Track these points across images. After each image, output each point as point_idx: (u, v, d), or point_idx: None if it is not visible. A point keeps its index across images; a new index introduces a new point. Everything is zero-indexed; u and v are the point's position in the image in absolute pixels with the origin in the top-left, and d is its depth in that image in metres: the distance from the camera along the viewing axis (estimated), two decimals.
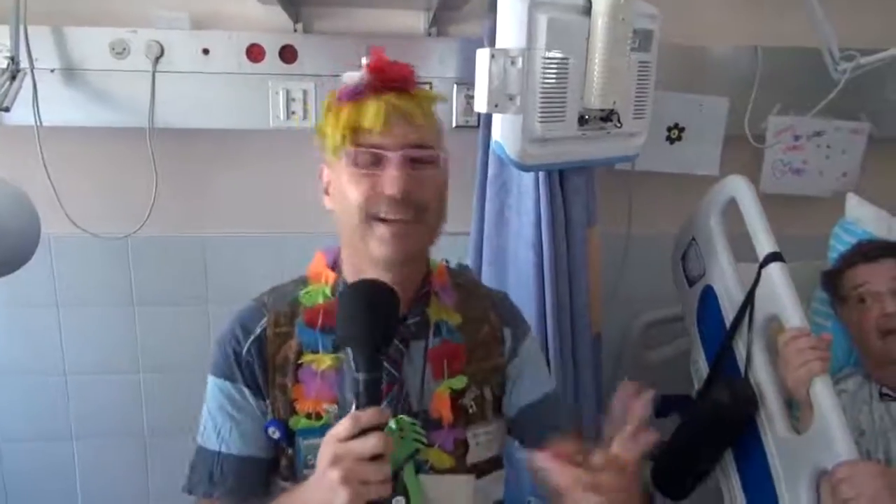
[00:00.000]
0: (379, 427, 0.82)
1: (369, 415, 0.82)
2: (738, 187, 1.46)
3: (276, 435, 0.98)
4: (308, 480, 0.88)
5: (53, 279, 1.79)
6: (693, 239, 1.59)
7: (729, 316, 1.45)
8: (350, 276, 1.01)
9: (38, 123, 1.61)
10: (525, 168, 1.31)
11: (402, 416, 0.98)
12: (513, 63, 1.21)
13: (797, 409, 1.32)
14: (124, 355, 1.85)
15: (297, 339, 0.99)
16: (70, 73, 1.64)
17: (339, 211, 0.97)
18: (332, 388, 0.98)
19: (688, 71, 1.80)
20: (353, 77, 0.95)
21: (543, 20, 1.21)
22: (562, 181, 1.40)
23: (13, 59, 1.49)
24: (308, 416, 0.97)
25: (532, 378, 1.10)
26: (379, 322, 0.87)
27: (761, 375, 1.35)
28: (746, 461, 1.38)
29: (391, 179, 0.91)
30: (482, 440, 1.05)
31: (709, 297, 1.52)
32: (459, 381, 1.03)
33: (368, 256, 0.95)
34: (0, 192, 1.29)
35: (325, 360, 0.98)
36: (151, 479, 1.93)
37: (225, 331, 1.01)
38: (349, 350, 0.88)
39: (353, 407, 0.84)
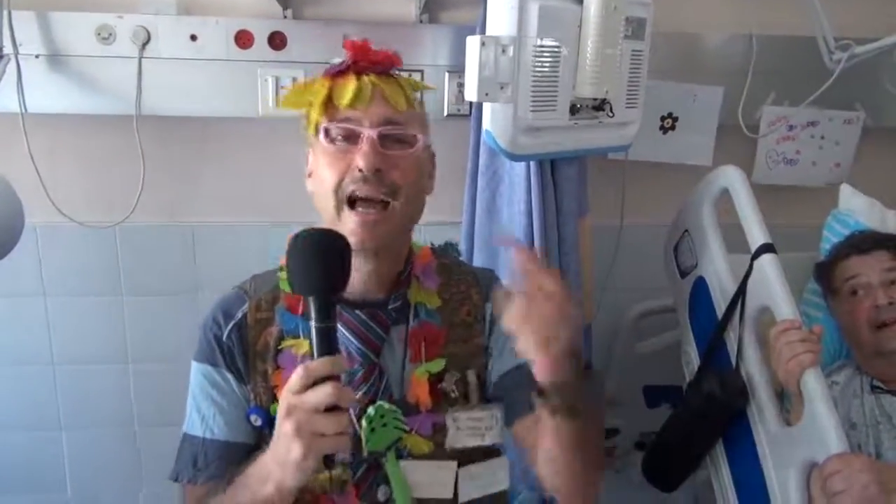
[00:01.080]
0: (333, 377, 0.79)
1: (320, 364, 0.79)
2: (731, 178, 1.44)
3: (258, 422, 0.98)
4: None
5: (40, 268, 1.77)
6: (686, 230, 1.58)
7: (721, 307, 1.44)
8: None
9: (23, 110, 1.59)
10: (516, 158, 1.30)
11: (381, 402, 0.96)
12: (503, 51, 1.20)
13: (789, 401, 1.32)
14: (113, 345, 1.84)
15: (278, 324, 0.98)
16: (55, 59, 1.61)
17: (318, 193, 0.97)
18: None
19: (682, 60, 1.78)
20: (338, 62, 0.97)
21: (535, 7, 1.19)
22: (553, 171, 1.39)
23: None
24: None
25: (508, 348, 1.01)
26: (329, 269, 0.84)
27: (752, 367, 1.35)
28: (737, 453, 1.38)
29: (363, 154, 0.92)
30: (464, 425, 1.02)
31: (701, 289, 1.51)
32: (437, 364, 1.01)
33: (337, 227, 0.94)
34: None
35: (304, 345, 0.96)
36: (142, 469, 1.92)
37: (207, 316, 1.01)
38: (307, 300, 0.84)
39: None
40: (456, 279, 1.08)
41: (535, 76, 1.22)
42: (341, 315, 0.98)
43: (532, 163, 1.35)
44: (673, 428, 1.45)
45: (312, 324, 0.82)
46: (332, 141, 0.94)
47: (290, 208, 1.78)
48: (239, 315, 0.99)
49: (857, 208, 1.62)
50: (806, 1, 1.54)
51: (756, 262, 1.36)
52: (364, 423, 0.95)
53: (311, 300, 0.82)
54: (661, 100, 1.77)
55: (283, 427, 0.78)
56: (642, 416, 1.96)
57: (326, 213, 0.96)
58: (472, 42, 1.19)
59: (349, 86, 0.93)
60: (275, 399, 0.96)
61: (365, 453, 0.96)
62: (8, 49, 1.51)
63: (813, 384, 1.21)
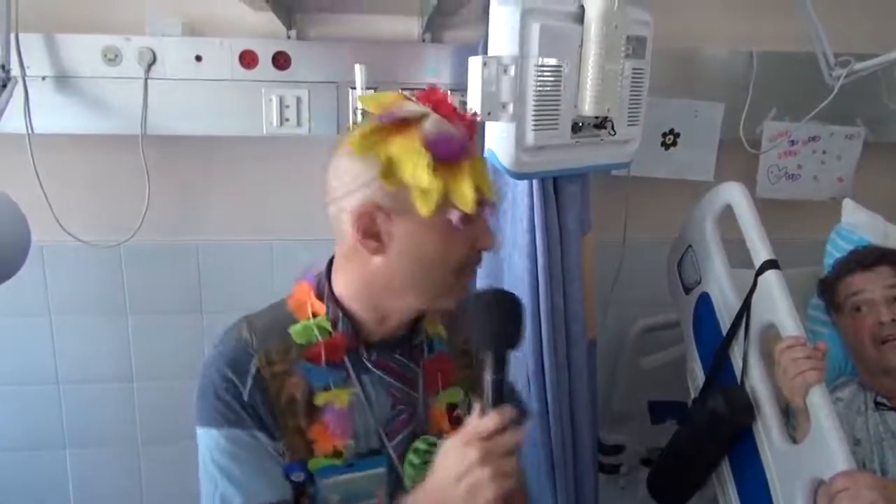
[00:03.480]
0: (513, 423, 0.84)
1: (510, 411, 0.83)
2: (734, 194, 1.45)
3: (301, 478, 0.94)
4: (426, 490, 0.87)
5: (46, 288, 1.78)
6: (689, 246, 1.58)
7: (725, 323, 1.44)
8: (364, 311, 0.96)
9: (30, 131, 1.60)
10: (518, 176, 1.30)
11: (426, 436, 1.00)
12: (505, 71, 1.21)
13: (795, 417, 1.31)
14: (118, 364, 1.84)
15: (302, 377, 0.94)
16: (62, 80, 1.63)
17: (413, 265, 0.92)
18: (353, 423, 0.95)
19: (683, 76, 1.80)
20: (408, 110, 0.88)
21: (536, 27, 1.20)
22: (556, 188, 1.39)
23: (3, 68, 1.48)
24: (326, 455, 0.94)
25: None
26: (510, 328, 0.88)
27: (757, 384, 1.34)
28: (743, 470, 1.37)
29: (489, 235, 0.94)
30: None
31: (705, 305, 1.51)
32: (455, 394, 1.04)
33: (431, 304, 0.97)
34: None
35: (343, 397, 0.95)
36: (145, 488, 1.92)
37: (213, 378, 0.92)
38: (485, 353, 0.87)
39: (482, 408, 0.85)
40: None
41: (536, 95, 1.23)
42: (381, 362, 0.98)
43: (535, 181, 1.35)
44: (678, 445, 1.44)
45: (488, 376, 0.85)
46: (464, 223, 0.90)
47: (294, 226, 1.81)
48: (252, 371, 0.92)
49: (860, 223, 1.63)
50: (806, 17, 1.55)
51: (760, 278, 1.36)
52: (414, 458, 0.98)
53: (488, 353, 0.86)
54: (662, 116, 1.79)
55: (479, 472, 0.80)
56: (648, 432, 1.95)
57: (428, 282, 0.93)
58: (475, 62, 1.20)
59: (478, 169, 0.91)
60: (311, 453, 0.94)
61: (408, 489, 0.97)
62: (15, 71, 1.53)
63: (818, 401, 1.21)
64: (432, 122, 0.88)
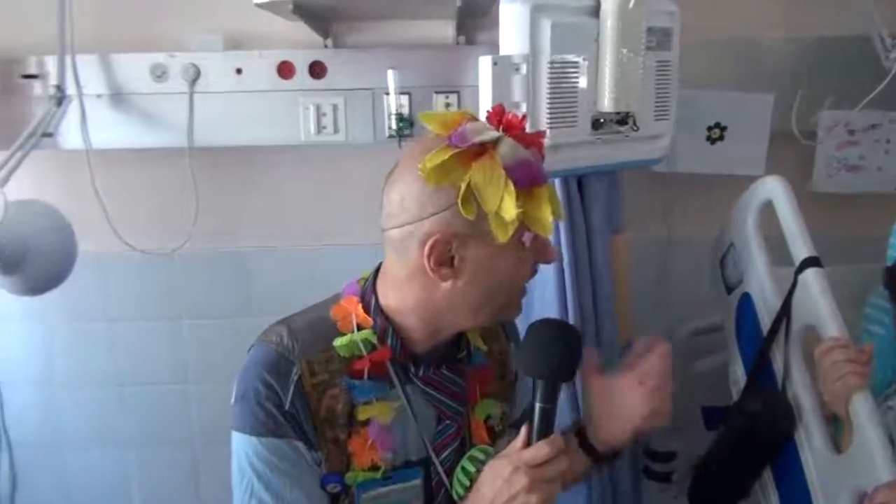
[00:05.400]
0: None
1: (560, 440, 0.87)
2: (774, 188, 1.37)
3: (337, 489, 0.95)
4: None
5: (105, 295, 1.88)
6: (731, 244, 1.51)
7: (766, 325, 1.36)
8: (417, 326, 0.96)
9: (88, 147, 1.70)
10: None
11: (480, 446, 1.02)
12: (517, 70, 1.19)
13: (840, 425, 1.23)
14: (173, 367, 1.93)
15: (344, 389, 0.94)
16: (116, 97, 1.72)
17: (483, 288, 0.92)
18: (393, 438, 0.96)
19: (728, 67, 1.72)
20: (482, 135, 0.87)
21: (547, 24, 1.18)
22: (581, 187, 1.36)
23: (58, 87, 1.58)
24: (364, 468, 0.95)
25: (524, 386, 1.12)
26: (565, 360, 0.91)
27: (799, 389, 1.26)
28: (786, 479, 1.29)
29: (552, 248, 0.95)
30: None
31: (746, 305, 1.43)
32: (492, 406, 1.06)
33: (491, 321, 0.99)
34: (39, 214, 1.36)
35: (386, 412, 0.95)
36: (202, 487, 2.00)
37: (254, 384, 0.91)
38: (536, 381, 0.89)
39: (528, 436, 0.88)
40: None
41: (550, 93, 1.21)
42: (428, 378, 0.99)
43: (556, 180, 1.32)
44: (717, 453, 1.37)
45: (538, 404, 0.88)
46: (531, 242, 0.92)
47: (335, 231, 1.84)
48: (294, 379, 0.91)
49: None
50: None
51: (800, 277, 1.28)
52: (470, 466, 1.00)
53: (540, 383, 0.89)
54: (706, 109, 1.72)
55: (526, 499, 0.84)
56: (701, 438, 1.86)
57: (494, 303, 0.94)
58: (485, 62, 1.19)
59: (552, 196, 0.90)
60: (348, 466, 0.95)
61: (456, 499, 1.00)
62: (70, 90, 1.63)
63: (861, 407, 1.12)
64: (508, 147, 0.86)
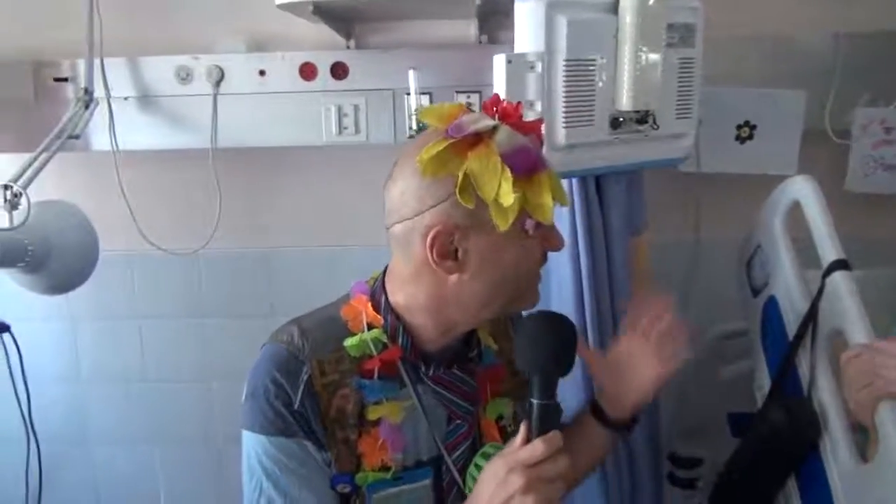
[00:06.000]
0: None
1: (558, 438, 0.83)
2: (802, 189, 1.32)
3: (347, 489, 0.94)
4: None
5: (134, 293, 1.92)
6: (758, 245, 1.47)
7: (792, 329, 1.32)
8: (427, 323, 0.95)
9: (116, 149, 1.73)
10: None
11: (490, 444, 1.01)
12: (532, 68, 1.17)
13: (867, 434, 1.18)
14: (198, 364, 1.96)
15: (354, 389, 0.93)
16: (143, 100, 1.75)
17: (490, 279, 0.90)
18: (404, 438, 0.96)
19: (758, 63, 1.66)
20: (478, 124, 0.86)
21: (563, 22, 1.16)
22: (599, 188, 1.33)
23: (86, 91, 1.61)
24: (374, 468, 0.94)
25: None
26: (560, 354, 0.87)
27: (825, 396, 1.22)
28: (810, 489, 1.25)
29: (558, 235, 0.94)
30: None
31: (772, 309, 1.39)
32: (503, 405, 1.05)
33: (503, 312, 0.97)
34: (62, 214, 1.39)
35: (396, 411, 0.95)
36: (225, 483, 2.02)
37: (264, 382, 0.91)
38: (534, 377, 0.87)
39: (526, 434, 0.85)
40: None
41: (567, 92, 1.18)
42: (439, 377, 0.98)
43: (574, 180, 1.30)
44: (738, 461, 1.33)
45: (535, 400, 0.85)
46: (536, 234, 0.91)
47: (357, 232, 1.85)
48: (304, 378, 0.91)
49: None
50: None
51: (827, 280, 1.24)
52: (482, 462, 0.97)
53: (535, 378, 0.85)
54: (735, 107, 1.67)
55: (522, 500, 0.80)
56: (727, 445, 1.81)
57: (504, 295, 0.92)
58: (499, 60, 1.17)
59: (554, 183, 0.89)
60: (359, 466, 0.94)
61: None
62: (98, 93, 1.66)
63: (888, 417, 1.08)
64: (505, 135, 0.86)
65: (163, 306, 1.92)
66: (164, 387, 1.97)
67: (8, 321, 1.78)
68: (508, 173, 0.83)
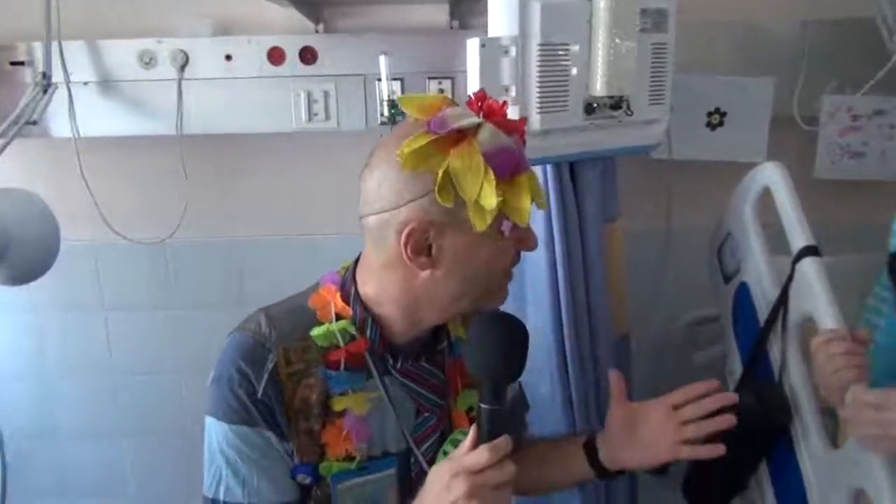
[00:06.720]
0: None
1: (505, 444, 0.81)
2: (772, 175, 1.33)
3: (308, 480, 0.93)
4: None
5: (99, 284, 1.87)
6: (728, 232, 1.47)
7: (763, 315, 1.33)
8: (396, 316, 0.93)
9: (76, 135, 1.68)
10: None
11: (455, 436, 0.99)
12: (505, 52, 1.16)
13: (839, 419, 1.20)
14: (166, 356, 1.92)
15: (319, 379, 0.92)
16: (104, 84, 1.69)
17: (462, 277, 0.89)
18: (369, 429, 0.94)
19: (728, 50, 1.67)
20: (461, 121, 0.83)
21: (536, 6, 1.15)
22: (573, 174, 1.33)
23: (44, 75, 1.56)
24: (338, 458, 0.93)
25: None
26: (513, 359, 0.85)
27: (796, 381, 1.23)
28: (781, 473, 1.26)
29: (533, 236, 0.92)
30: None
31: (743, 295, 1.40)
32: (475, 397, 1.01)
33: (472, 309, 0.94)
34: (20, 202, 1.34)
35: (362, 403, 0.93)
36: (195, 476, 1.98)
37: (228, 370, 0.90)
38: (482, 381, 0.84)
39: (474, 438, 0.82)
40: None
41: (540, 77, 1.17)
42: (407, 370, 0.97)
43: (548, 166, 1.29)
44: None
45: (484, 405, 0.83)
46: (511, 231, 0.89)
47: (329, 220, 1.82)
48: (269, 367, 0.90)
49: None
50: None
51: (797, 267, 1.25)
52: (451, 449, 0.96)
53: (484, 383, 0.83)
54: (705, 94, 1.67)
55: None
56: None
57: (476, 292, 0.91)
58: (472, 45, 1.15)
59: (533, 185, 0.87)
60: (322, 457, 0.93)
61: None
62: (56, 78, 1.60)
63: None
64: (488, 134, 0.84)
65: (130, 297, 1.88)
66: (132, 379, 1.93)
67: None
68: (492, 175, 0.82)
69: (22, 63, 1.67)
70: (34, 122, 1.51)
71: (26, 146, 1.70)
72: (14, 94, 1.61)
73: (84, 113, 1.67)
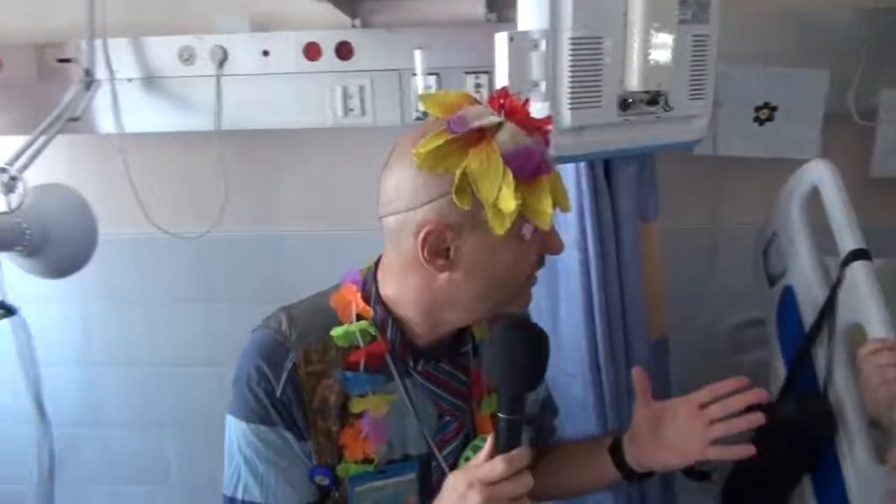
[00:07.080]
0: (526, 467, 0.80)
1: (521, 456, 0.79)
2: (820, 173, 1.27)
3: (326, 482, 0.92)
4: None
5: (140, 277, 1.91)
6: (774, 232, 1.41)
7: (809, 321, 1.26)
8: (417, 318, 0.91)
9: (120, 131, 1.71)
10: (557, 160, 1.21)
11: (483, 435, 0.98)
12: (535, 46, 1.12)
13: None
14: (206, 349, 1.94)
15: (338, 380, 0.91)
16: (146, 81, 1.72)
17: (482, 280, 0.86)
18: (388, 431, 0.93)
19: (779, 41, 1.58)
20: (482, 120, 0.81)
21: None
22: (608, 172, 1.28)
23: (87, 72, 1.59)
24: (356, 461, 0.92)
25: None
26: (534, 370, 0.83)
27: (842, 391, 1.17)
28: (825, 488, 1.20)
29: (558, 240, 0.89)
30: None
31: (789, 299, 1.34)
32: (496, 401, 1.00)
33: (494, 313, 0.91)
34: (58, 197, 1.37)
35: (381, 405, 0.92)
36: None
37: (248, 369, 0.91)
38: (500, 390, 0.83)
39: (491, 448, 0.81)
40: None
41: (572, 71, 1.13)
42: (428, 373, 0.95)
43: (582, 164, 1.25)
44: (749, 457, 1.29)
45: (502, 415, 0.81)
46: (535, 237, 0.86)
47: (360, 214, 1.80)
48: (288, 367, 0.89)
49: None
50: None
51: (846, 271, 1.18)
52: (472, 455, 0.94)
53: (502, 392, 0.82)
54: (754, 88, 1.60)
55: None
56: (745, 437, 1.77)
57: (492, 298, 0.88)
58: (501, 38, 1.12)
59: (556, 186, 0.85)
60: (340, 458, 0.92)
61: None
62: (100, 75, 1.64)
63: None
64: (509, 134, 0.81)
65: (171, 290, 1.91)
66: (174, 371, 1.97)
67: (18, 304, 1.77)
68: (510, 177, 0.79)
69: (69, 60, 1.71)
70: (77, 119, 1.55)
71: (72, 142, 1.74)
72: (60, 91, 1.65)
73: (127, 109, 1.71)
